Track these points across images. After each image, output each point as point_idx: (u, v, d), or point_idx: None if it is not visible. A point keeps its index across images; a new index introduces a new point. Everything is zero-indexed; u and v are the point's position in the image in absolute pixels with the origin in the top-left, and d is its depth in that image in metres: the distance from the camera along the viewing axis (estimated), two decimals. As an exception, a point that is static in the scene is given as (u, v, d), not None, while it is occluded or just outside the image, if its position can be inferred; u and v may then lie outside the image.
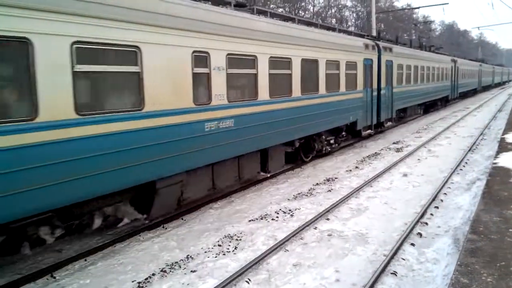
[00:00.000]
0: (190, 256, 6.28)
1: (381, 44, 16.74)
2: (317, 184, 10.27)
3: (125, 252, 6.56)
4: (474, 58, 53.24)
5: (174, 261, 6.14)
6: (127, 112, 6.04)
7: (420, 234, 6.88)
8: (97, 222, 6.60)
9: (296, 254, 6.28)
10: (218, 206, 8.79)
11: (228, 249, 6.50)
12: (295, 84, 10.31)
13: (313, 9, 52.17)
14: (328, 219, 7.72)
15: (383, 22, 59.72)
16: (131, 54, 6.07)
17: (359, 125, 14.55)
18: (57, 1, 5.09)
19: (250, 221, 7.73)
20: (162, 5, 6.54)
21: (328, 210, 8.04)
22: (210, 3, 8.06)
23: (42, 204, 5.11)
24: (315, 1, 51.43)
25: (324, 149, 13.05)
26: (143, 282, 5.54)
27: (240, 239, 6.86)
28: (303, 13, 48.15)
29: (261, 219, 7.80)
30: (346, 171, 11.61)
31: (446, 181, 10.01)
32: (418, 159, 12.98)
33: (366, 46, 15.04)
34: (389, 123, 18.15)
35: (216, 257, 6.24)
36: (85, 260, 6.31)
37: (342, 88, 12.99)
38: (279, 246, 6.44)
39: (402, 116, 21.69)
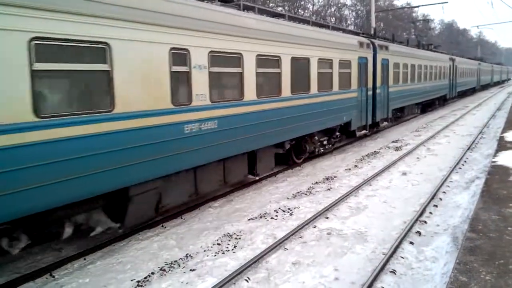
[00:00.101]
0: (190, 255, 6.28)
1: (377, 42, 16.40)
2: (316, 182, 10.27)
3: (124, 251, 6.56)
4: (473, 57, 53.15)
5: (173, 260, 6.15)
6: (94, 113, 5.59)
7: (419, 233, 6.89)
8: (68, 231, 6.12)
9: (295, 252, 6.28)
10: (218, 205, 8.79)
11: (227, 248, 6.50)
12: (284, 84, 9.91)
13: (313, 8, 52.16)
14: (327, 217, 7.73)
15: (383, 21, 59.73)
16: (100, 51, 5.63)
17: (353, 126, 14.21)
18: None
19: (249, 220, 7.73)
20: None
21: (328, 209, 8.05)
22: None
23: None
24: (314, 0, 51.41)
25: (317, 150, 12.70)
26: (142, 281, 5.54)
27: (240, 238, 6.87)
28: (302, 12, 48.12)
29: (261, 217, 7.80)
30: (345, 169, 11.61)
31: (445, 180, 10.02)
32: (417, 158, 12.99)
33: (361, 44, 14.63)
34: (385, 123, 17.79)
35: (215, 256, 6.24)
36: (84, 259, 6.31)
37: (335, 87, 12.59)
38: (279, 244, 6.45)
39: (399, 116, 21.42)
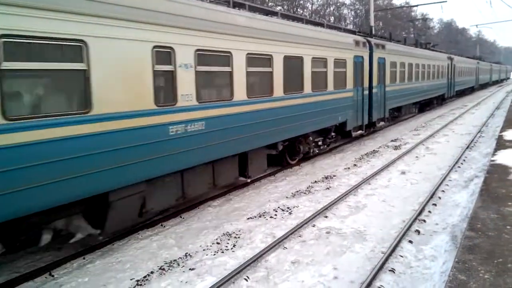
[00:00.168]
0: (189, 254, 6.29)
1: (373, 41, 16.12)
2: (315, 181, 10.28)
3: (124, 250, 6.56)
4: (472, 56, 53.14)
5: (172, 259, 6.15)
6: (69, 115, 5.27)
7: (418, 232, 6.90)
8: (46, 238, 5.82)
9: (294, 251, 6.29)
10: (217, 204, 8.79)
11: (226, 247, 6.51)
12: (276, 83, 9.62)
13: (312, 7, 52.16)
14: (326, 216, 7.73)
15: (382, 20, 59.76)
16: (75, 49, 5.31)
17: (349, 126, 13.94)
18: None
19: (248, 219, 7.74)
20: None
21: (327, 208, 8.05)
22: None
23: None
24: (313, -1, 51.42)
25: (311, 151, 12.46)
26: (142, 280, 5.54)
27: (239, 237, 6.87)
28: (301, 11, 48.11)
29: (260, 217, 7.81)
30: (345, 168, 11.62)
31: (444, 179, 10.04)
32: (416, 157, 13.00)
33: (357, 42, 14.34)
34: (382, 123, 17.52)
35: (214, 255, 6.24)
36: (84, 259, 6.31)
37: (330, 87, 12.31)
38: (278, 243, 6.45)
39: (396, 116, 21.23)
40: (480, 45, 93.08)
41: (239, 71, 8.36)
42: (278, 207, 8.28)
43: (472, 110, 28.24)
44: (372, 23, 28.78)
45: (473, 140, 15.61)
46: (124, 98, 5.98)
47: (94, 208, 6.15)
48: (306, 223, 7.28)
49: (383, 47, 16.90)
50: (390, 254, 5.95)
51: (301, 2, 49.71)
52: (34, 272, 5.83)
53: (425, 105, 27.19)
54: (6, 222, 4.84)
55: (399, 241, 6.39)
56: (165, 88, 6.79)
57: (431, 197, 8.63)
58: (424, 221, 7.39)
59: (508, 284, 4.25)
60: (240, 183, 9.89)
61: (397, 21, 62.78)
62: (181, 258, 6.18)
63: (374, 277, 5.30)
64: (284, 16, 10.91)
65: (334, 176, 10.78)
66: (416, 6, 43.66)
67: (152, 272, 5.74)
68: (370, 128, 16.69)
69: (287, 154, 11.78)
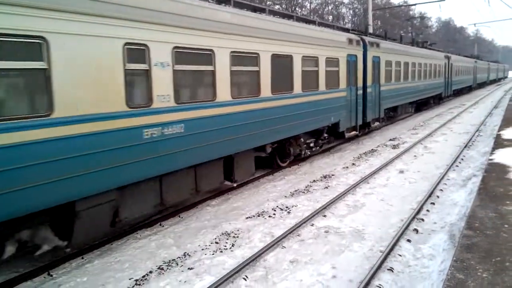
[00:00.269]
0: (187, 254, 6.29)
1: (367, 39, 15.68)
2: (314, 181, 10.29)
3: (122, 249, 6.56)
4: (469, 55, 53.13)
5: (171, 258, 6.15)
6: (29, 119, 4.84)
7: (416, 230, 6.91)
8: (10, 249, 5.49)
9: (293, 250, 6.30)
10: (215, 203, 8.79)
11: (225, 246, 6.51)
12: (264, 83, 9.16)
13: (310, 6, 52.16)
14: (325, 215, 7.74)
15: (380, 19, 59.79)
16: (34, 47, 4.89)
17: (342, 126, 13.47)
18: None
19: (247, 218, 7.74)
20: None
21: (325, 207, 8.06)
22: None
23: None
24: (311, -2, 51.41)
25: (303, 153, 11.99)
26: (140, 280, 5.54)
27: (237, 236, 6.87)
28: (300, 10, 48.10)
29: (258, 216, 7.81)
30: (343, 168, 11.63)
31: (442, 178, 10.06)
32: (415, 156, 13.02)
33: (350, 41, 13.86)
34: (377, 123, 17.07)
35: (213, 254, 6.25)
36: (82, 258, 6.31)
37: (322, 86, 11.84)
38: (276, 243, 6.46)
39: (392, 116, 20.91)
40: (478, 44, 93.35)
41: (223, 70, 7.92)
42: (277, 207, 8.29)
43: (470, 109, 28.30)
44: (370, 22, 28.85)
45: (471, 139, 15.64)
46: (91, 99, 5.53)
47: (61, 218, 5.78)
48: (304, 222, 7.28)
49: (377, 45, 16.51)
50: (388, 253, 5.96)
51: (300, 1, 49.72)
52: (33, 271, 5.82)
53: (421, 105, 26.96)
54: None
55: (398, 240, 6.40)
56: (138, 88, 6.36)
57: (429, 196, 8.65)
58: (423, 220, 7.41)
59: (506, 283, 4.26)
60: (225, 188, 9.42)
61: (396, 20, 62.82)
62: (179, 257, 6.18)
63: (372, 276, 5.31)
64: (273, 13, 10.46)
65: (332, 175, 10.79)
66: (414, 5, 43.76)
67: (150, 272, 5.74)
68: (365, 129, 16.38)
69: (277, 157, 11.43)
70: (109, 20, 5.69)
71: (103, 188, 5.88)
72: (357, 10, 60.48)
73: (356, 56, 14.38)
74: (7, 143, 4.65)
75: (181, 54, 6.94)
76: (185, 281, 5.47)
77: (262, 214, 7.88)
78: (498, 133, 14.58)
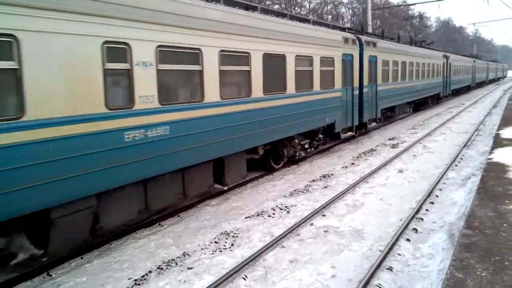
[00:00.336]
0: (187, 253, 6.29)
1: (364, 38, 15.34)
2: (313, 180, 10.29)
3: (121, 249, 6.56)
4: (468, 54, 53.07)
5: (170, 258, 6.15)
6: None
7: (415, 230, 6.92)
8: None
9: (292, 250, 6.30)
10: (215, 203, 8.79)
11: (224, 246, 6.51)
12: (255, 83, 8.87)
13: (309, 6, 52.17)
14: (324, 215, 7.75)
15: (379, 19, 59.82)
16: (4, 46, 4.65)
17: (337, 127, 13.14)
18: None
19: (246, 218, 7.74)
20: None
21: (324, 207, 8.06)
22: None
23: None
24: (310, -2, 51.42)
25: (297, 154, 11.68)
26: (140, 280, 5.54)
27: (237, 236, 6.87)
28: (299, 10, 48.11)
29: (258, 215, 7.81)
30: (342, 167, 11.64)
31: (442, 177, 10.07)
32: (414, 155, 13.03)
33: (346, 40, 13.51)
34: (374, 124, 16.71)
35: (212, 254, 6.25)
36: (81, 258, 6.30)
37: (316, 86, 11.54)
38: (276, 242, 6.46)
39: (389, 116, 20.61)
40: (477, 44, 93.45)
41: (211, 70, 7.62)
42: (276, 206, 8.29)
43: (469, 109, 28.32)
44: (369, 22, 28.86)
45: (470, 138, 15.66)
46: (67, 101, 5.23)
47: (37, 225, 5.55)
48: (304, 222, 7.29)
49: (374, 44, 16.18)
50: (387, 253, 5.97)
51: (299, 0, 49.73)
52: (32, 272, 5.82)
53: (420, 105, 26.70)
54: None
55: (397, 240, 6.41)
56: (119, 89, 6.08)
57: (429, 195, 8.66)
58: (422, 219, 7.41)
59: (505, 282, 4.27)
60: (215, 192, 9.12)
61: (395, 20, 62.84)
62: (179, 257, 6.18)
63: (372, 276, 5.31)
64: (265, 11, 10.11)
65: (332, 174, 10.80)
66: (414, 4, 43.68)
67: (150, 272, 5.74)
68: (362, 129, 16.08)
69: (271, 158, 11.16)
70: (86, 17, 5.39)
71: (80, 195, 5.56)
72: (356, 9, 60.53)
73: (352, 55, 14.09)
74: None
75: (166, 53, 6.67)
76: (184, 281, 5.47)
77: (261, 214, 7.88)
78: (497, 132, 14.59)
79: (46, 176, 5.04)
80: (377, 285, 5.15)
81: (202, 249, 6.44)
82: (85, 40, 5.42)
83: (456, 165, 11.48)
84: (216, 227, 7.29)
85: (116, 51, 5.88)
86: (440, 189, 9.25)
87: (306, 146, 12.14)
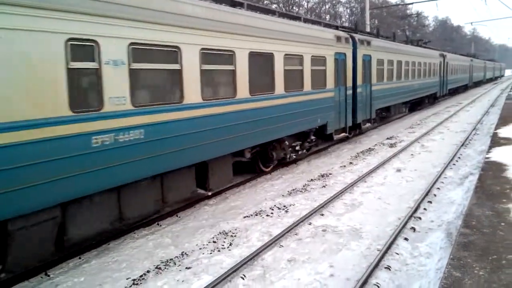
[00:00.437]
0: (185, 253, 6.28)
1: (357, 36, 14.93)
2: (311, 180, 10.30)
3: (120, 249, 6.55)
4: (465, 53, 53.04)
5: (168, 258, 6.15)
6: None
7: (413, 229, 6.93)
8: None
9: (290, 249, 6.30)
10: (213, 203, 8.79)
11: (223, 245, 6.51)
12: (240, 83, 8.48)
13: (307, 5, 52.16)
14: (322, 214, 7.75)
15: (377, 18, 59.86)
16: None
17: (329, 129, 12.73)
18: None
19: (245, 217, 7.74)
20: None
21: (323, 206, 8.07)
22: None
23: None
24: (308, -3, 51.40)
25: (288, 156, 11.31)
26: (138, 280, 5.53)
27: (235, 236, 6.87)
28: (297, 9, 48.10)
29: (256, 215, 7.82)
30: (341, 166, 11.65)
31: (439, 176, 10.08)
32: (412, 154, 13.05)
33: (338, 38, 13.07)
34: (368, 125, 16.37)
35: (211, 253, 6.25)
36: (79, 258, 6.29)
37: (307, 86, 11.14)
38: (274, 242, 6.46)
39: (385, 116, 20.28)
40: (475, 43, 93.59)
41: (191, 69, 7.22)
42: (275, 206, 8.29)
43: (467, 108, 28.38)
44: (367, 21, 28.89)
45: (468, 137, 15.69)
46: (27, 104, 4.86)
47: None
48: (302, 221, 7.29)
49: (368, 43, 15.77)
50: (385, 252, 5.98)
51: (297, 0, 49.70)
52: (30, 272, 5.80)
53: (416, 105, 26.43)
54: None
55: (395, 239, 6.42)
56: (86, 90, 5.68)
57: (427, 194, 8.67)
58: (420, 218, 7.43)
59: (503, 281, 4.28)
60: (198, 198, 8.76)
61: (393, 19, 62.89)
62: (177, 257, 6.17)
63: (370, 275, 5.32)
64: (251, 8, 9.62)
65: (330, 174, 10.81)
66: (411, 4, 43.80)
67: (148, 271, 5.74)
68: (356, 130, 15.71)
69: (260, 161, 10.78)
70: (47, 12, 4.99)
71: (41, 205, 5.15)
72: (354, 9, 60.55)
73: (345, 54, 13.67)
74: None
75: (139, 51, 6.24)
76: (182, 281, 5.47)
77: (259, 213, 7.88)
78: (495, 131, 14.62)
79: (2, 185, 4.67)
80: (375, 284, 5.16)
81: (200, 248, 6.44)
82: (47, 37, 5.02)
83: (454, 164, 11.51)
84: (215, 227, 7.29)
85: (82, 49, 5.45)
86: (438, 188, 9.27)
87: (297, 148, 11.81)
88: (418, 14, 61.14)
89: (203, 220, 7.75)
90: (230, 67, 8.29)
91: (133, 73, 6.14)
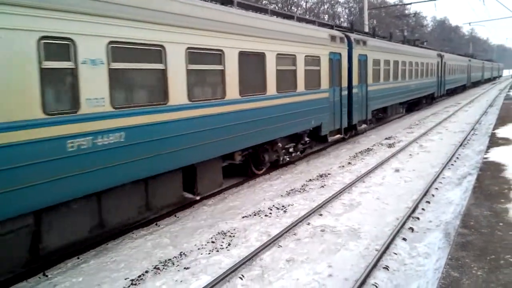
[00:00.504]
0: (183, 253, 6.28)
1: (353, 36, 14.64)
2: (310, 180, 10.30)
3: (118, 249, 6.54)
4: (463, 53, 53.04)
5: (167, 258, 6.14)
6: None
7: (411, 229, 6.94)
8: None
9: (289, 249, 6.30)
10: (212, 203, 8.79)
11: (221, 245, 6.51)
12: (230, 84, 8.22)
13: (306, 5, 52.19)
14: (321, 214, 7.76)
15: (376, 18, 59.94)
16: None
17: (324, 130, 12.45)
18: None
19: (243, 217, 7.74)
20: None
21: (321, 206, 8.08)
22: None
23: None
24: (307, -3, 51.42)
25: (281, 159, 11.02)
26: (136, 280, 5.53)
27: (234, 236, 6.87)
28: (295, 9, 48.12)
29: (255, 215, 7.82)
30: (339, 166, 11.66)
31: (438, 176, 10.10)
32: (410, 155, 13.07)
33: (333, 38, 12.79)
34: (364, 126, 16.12)
35: (209, 253, 6.24)
36: (78, 258, 6.28)
37: (300, 87, 10.87)
38: (273, 242, 6.47)
39: (381, 117, 20.00)
40: (473, 43, 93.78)
41: (177, 69, 6.94)
42: (273, 206, 8.29)
43: (466, 108, 28.43)
44: (366, 21, 28.93)
45: (466, 137, 15.72)
46: None
47: None
48: (301, 221, 7.29)
49: (364, 43, 15.49)
50: (384, 252, 5.98)
51: (295, 0, 49.69)
52: (28, 272, 5.80)
53: (413, 105, 26.22)
54: None
55: (393, 239, 6.43)
56: (61, 91, 5.36)
57: (425, 194, 8.69)
58: (418, 218, 7.44)
59: (501, 281, 4.29)
60: (185, 203, 8.42)
61: (392, 19, 62.96)
62: (176, 257, 6.17)
63: (368, 275, 5.33)
64: (243, 6, 9.35)
65: (328, 174, 10.81)
66: (410, 4, 43.86)
67: (146, 272, 5.73)
68: (352, 131, 15.46)
69: (252, 164, 10.54)
70: (14, 9, 4.68)
71: (10, 214, 4.85)
72: (353, 9, 60.59)
73: (340, 54, 13.38)
74: None
75: (120, 50, 5.96)
76: (181, 281, 5.46)
77: (258, 213, 7.88)
78: (493, 131, 14.66)
79: None
80: (373, 284, 5.16)
81: (199, 249, 6.44)
82: (17, 35, 4.73)
83: (452, 165, 11.53)
84: (213, 227, 7.29)
85: (57, 48, 5.17)
86: (436, 188, 9.28)
87: (291, 150, 11.54)
88: (416, 14, 61.19)
89: (202, 220, 7.75)
90: (219, 67, 8.05)
91: (113, 73, 5.87)
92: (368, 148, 14.28)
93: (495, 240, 5.33)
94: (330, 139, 13.30)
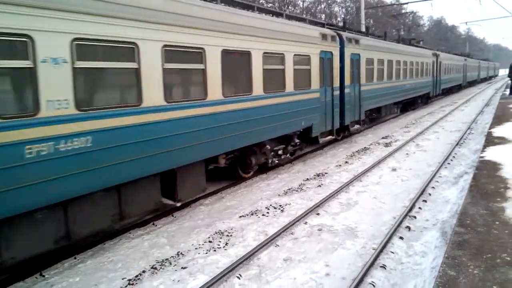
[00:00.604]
0: (181, 253, 6.27)
1: (345, 34, 14.27)
2: (307, 179, 10.31)
3: (115, 249, 6.53)
4: (459, 53, 53.08)
5: (164, 258, 6.13)
6: None
7: (408, 228, 6.96)
8: None
9: (286, 249, 6.31)
10: (209, 202, 8.78)
11: (218, 245, 6.50)
12: (212, 83, 7.81)
13: (303, 5, 52.20)
14: (318, 214, 7.77)
15: (372, 18, 60.04)
16: None
17: (315, 131, 12.15)
18: None
19: (240, 217, 7.74)
20: None
21: (318, 205, 8.09)
22: None
23: None
24: (304, -3, 51.44)
25: (270, 161, 10.73)
26: (133, 280, 5.52)
27: (231, 235, 6.87)
28: (292, 9, 48.13)
29: (252, 215, 7.82)
30: (336, 166, 11.67)
31: (434, 175, 10.13)
32: (407, 154, 13.11)
33: (324, 36, 12.43)
34: (357, 126, 15.79)
35: (206, 253, 6.24)
36: (75, 258, 6.27)
37: (289, 87, 10.51)
38: (270, 241, 6.47)
39: (375, 117, 19.75)
40: (470, 43, 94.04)
41: (152, 68, 6.51)
42: (270, 205, 8.30)
43: (462, 107, 28.52)
44: (363, 21, 28.96)
45: (462, 136, 15.78)
46: None
47: None
48: (298, 221, 7.30)
49: (357, 42, 15.11)
50: (381, 251, 6.00)
51: (292, -1, 49.73)
52: (25, 272, 5.77)
53: (408, 105, 25.98)
54: None
55: (390, 238, 6.44)
56: (17, 92, 4.99)
57: (422, 193, 8.71)
58: (415, 217, 7.46)
59: (497, 279, 4.31)
60: (164, 210, 8.00)
61: (388, 19, 63.09)
62: (173, 257, 6.16)
63: (365, 274, 5.34)
64: (227, 2, 9.03)
65: (325, 173, 10.83)
66: (406, 3, 43.91)
67: (144, 271, 5.72)
68: (344, 132, 15.21)
69: (239, 167, 10.21)
70: None
71: None
72: (349, 8, 60.69)
73: (331, 53, 13.03)
74: None
75: (85, 48, 5.52)
76: (178, 280, 5.46)
77: (255, 213, 7.88)
78: (489, 130, 14.70)
79: None
80: (370, 283, 5.18)
81: (196, 248, 6.43)
82: None
83: (449, 164, 11.57)
84: (210, 227, 7.28)
85: (12, 45, 4.78)
86: (433, 187, 9.31)
87: (280, 152, 11.20)
88: (412, 13, 61.38)
89: (199, 220, 7.74)
90: (200, 66, 7.61)
91: (78, 72, 5.42)
92: (365, 147, 14.31)
93: (492, 238, 5.35)
94: (322, 140, 13.03)
